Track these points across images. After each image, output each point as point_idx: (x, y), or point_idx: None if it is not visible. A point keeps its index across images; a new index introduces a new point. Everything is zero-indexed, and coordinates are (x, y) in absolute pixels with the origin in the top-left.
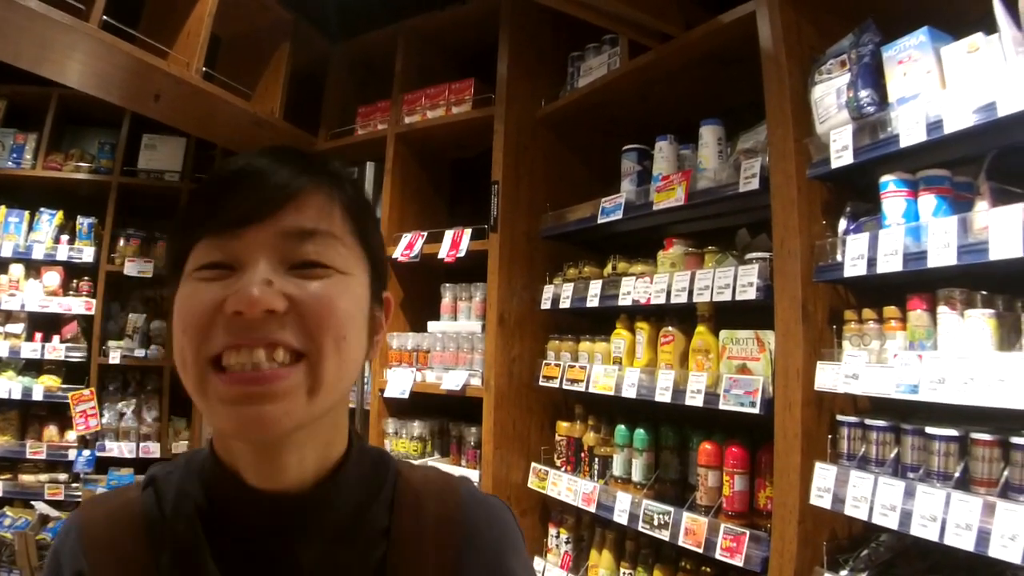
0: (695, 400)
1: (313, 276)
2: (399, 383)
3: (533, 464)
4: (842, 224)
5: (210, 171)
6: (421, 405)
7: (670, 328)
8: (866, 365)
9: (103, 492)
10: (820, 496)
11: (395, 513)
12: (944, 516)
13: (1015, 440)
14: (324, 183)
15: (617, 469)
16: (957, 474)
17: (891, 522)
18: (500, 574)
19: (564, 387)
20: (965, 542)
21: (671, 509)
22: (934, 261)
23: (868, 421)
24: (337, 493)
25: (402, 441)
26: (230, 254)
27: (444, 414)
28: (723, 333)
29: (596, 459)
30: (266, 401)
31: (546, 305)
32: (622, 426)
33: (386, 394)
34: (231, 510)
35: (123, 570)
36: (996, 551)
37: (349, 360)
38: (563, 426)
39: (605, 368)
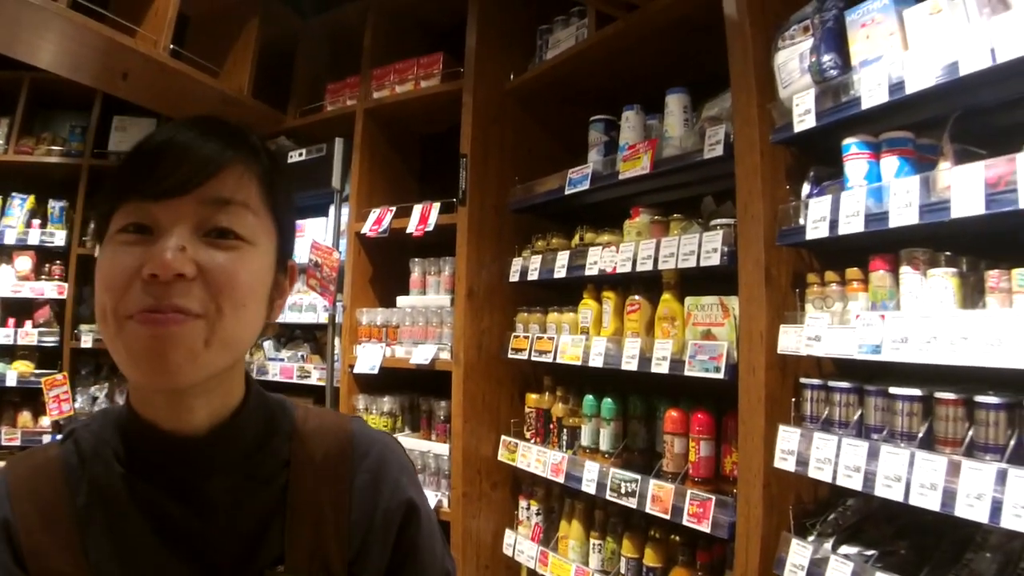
0: (661, 367)
1: (223, 246)
2: (368, 359)
3: (503, 437)
4: (805, 188)
5: (140, 141)
6: (391, 380)
7: (636, 297)
8: (828, 327)
9: (28, 449)
10: (784, 459)
11: (294, 446)
12: (908, 476)
13: (979, 399)
14: (244, 155)
15: (585, 439)
16: (921, 434)
17: (855, 483)
18: (385, 486)
19: (533, 359)
20: (931, 502)
21: (638, 477)
22: (896, 221)
23: (831, 383)
24: (239, 431)
25: (372, 417)
26: (150, 219)
27: (414, 389)
28: (688, 300)
29: (565, 430)
30: (168, 348)
31: (515, 278)
32: (590, 396)
33: (356, 370)
34: (145, 452)
35: (44, 515)
36: (962, 511)
37: (246, 323)
38: (532, 398)
39: (573, 338)
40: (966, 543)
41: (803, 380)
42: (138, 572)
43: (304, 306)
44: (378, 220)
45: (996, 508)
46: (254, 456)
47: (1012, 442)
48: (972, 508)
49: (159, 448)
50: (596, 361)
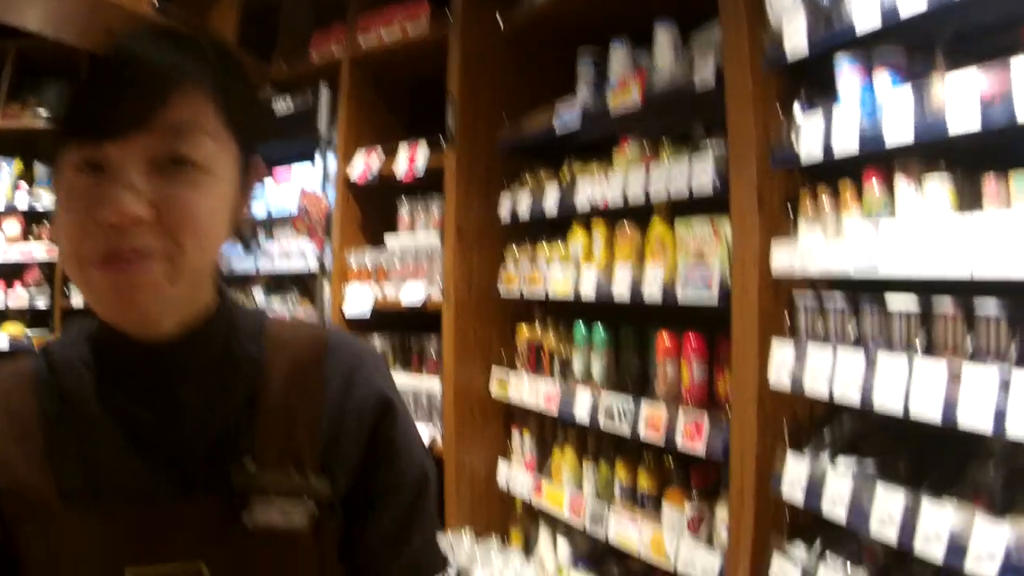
0: (653, 294)
1: (180, 179)
2: (359, 301)
3: (495, 371)
4: (797, 112)
5: (86, 71)
6: (382, 320)
7: (627, 225)
8: (822, 241)
9: None
10: (779, 376)
11: (267, 351)
12: (907, 384)
13: (979, 306)
14: (196, 72)
15: (577, 369)
16: (920, 344)
17: (852, 395)
18: (358, 385)
19: (523, 293)
20: (931, 411)
21: (631, 399)
22: (891, 137)
23: (825, 296)
24: (210, 336)
25: None
26: (101, 156)
27: (405, 328)
28: (679, 224)
29: (556, 361)
30: (134, 293)
31: (504, 216)
32: (581, 326)
33: (347, 313)
34: (115, 361)
35: (13, 425)
36: (966, 420)
37: (210, 250)
38: (523, 331)
39: (563, 271)
40: (969, 456)
41: (797, 297)
42: (107, 479)
43: (294, 253)
44: (366, 166)
45: (1000, 416)
46: (225, 361)
47: (1015, 350)
48: (976, 416)
49: (129, 355)
50: (587, 292)
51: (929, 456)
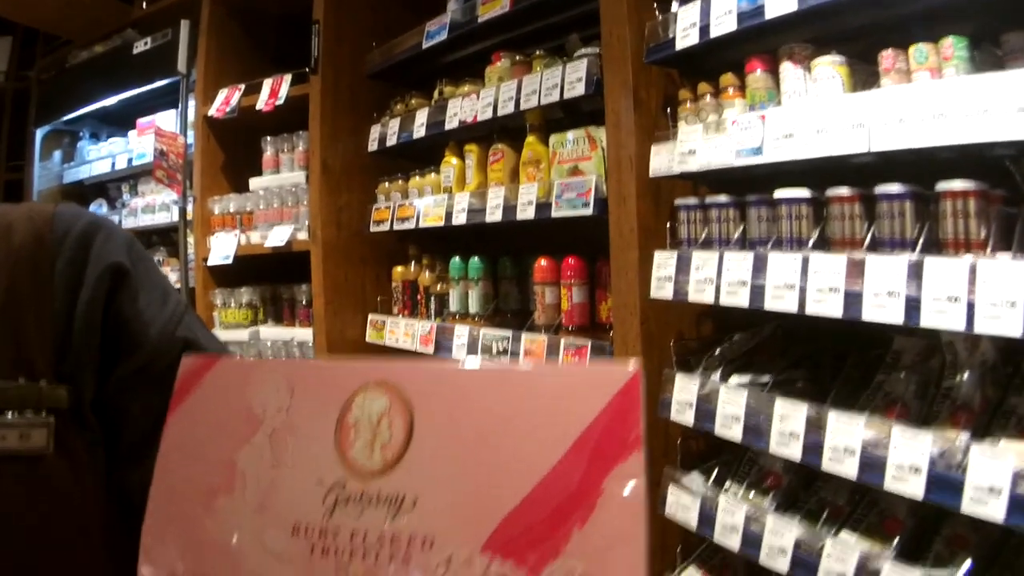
0: (527, 213)
1: None
2: (222, 248)
3: (370, 316)
4: (675, 6)
5: None
6: (250, 271)
7: (499, 145)
8: (703, 137)
9: None
10: (662, 287)
11: None
12: (803, 283)
13: (881, 190)
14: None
15: (454, 305)
16: (813, 240)
17: (741, 300)
18: (89, 262)
19: (395, 228)
20: (831, 308)
21: (509, 333)
22: (772, 11)
23: (709, 199)
24: None
25: (231, 311)
26: None
27: (276, 278)
28: (553, 137)
29: (433, 299)
30: None
31: (373, 147)
32: (456, 259)
33: (209, 262)
34: None
35: None
36: (871, 313)
37: None
38: (398, 271)
39: (435, 199)
40: (875, 364)
41: (678, 202)
42: None
43: (157, 206)
44: (226, 100)
45: (913, 306)
46: None
47: (923, 236)
48: (883, 309)
49: None
50: (460, 218)
51: (826, 369)
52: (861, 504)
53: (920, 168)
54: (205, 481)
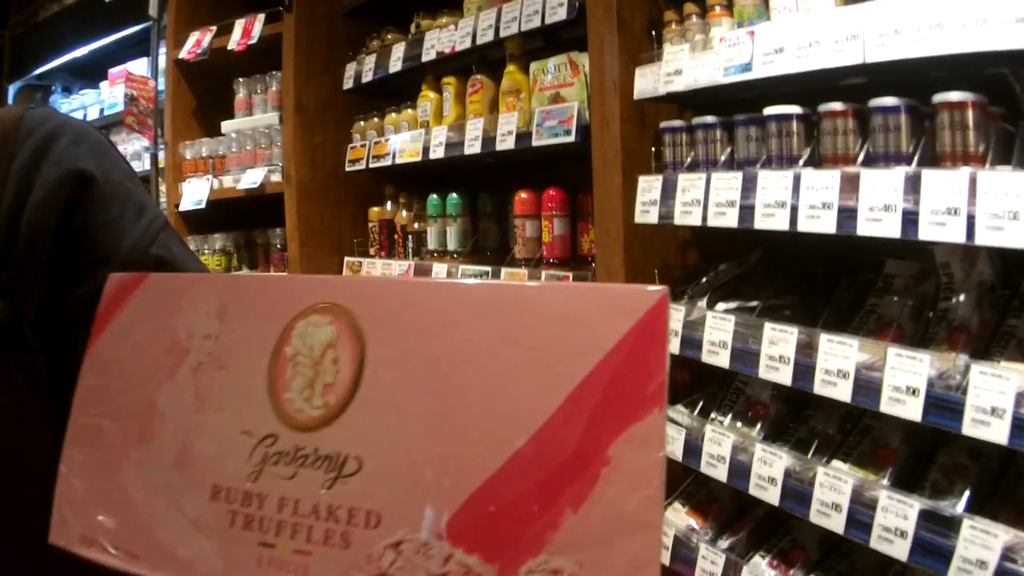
0: (506, 143)
1: None
2: (194, 193)
3: (346, 258)
4: None
5: None
6: (225, 217)
7: (478, 76)
8: (690, 56)
9: None
10: (646, 211)
11: None
12: (794, 201)
13: (875, 103)
14: None
15: (432, 243)
16: (804, 158)
17: (730, 220)
18: (48, 162)
19: (371, 166)
20: (824, 224)
21: (488, 269)
22: None
23: (695, 120)
24: None
25: (204, 257)
26: None
27: (250, 225)
28: (533, 65)
29: (410, 238)
30: None
31: (348, 84)
32: (434, 195)
33: (181, 208)
34: None
35: None
36: (866, 228)
37: None
38: (374, 211)
39: (411, 134)
40: (865, 289)
41: (663, 125)
42: None
43: (130, 155)
44: (197, 42)
45: (910, 220)
46: None
47: (918, 151)
48: (880, 224)
49: None
50: (437, 152)
51: (818, 297)
52: (852, 433)
53: (913, 90)
54: (124, 424)
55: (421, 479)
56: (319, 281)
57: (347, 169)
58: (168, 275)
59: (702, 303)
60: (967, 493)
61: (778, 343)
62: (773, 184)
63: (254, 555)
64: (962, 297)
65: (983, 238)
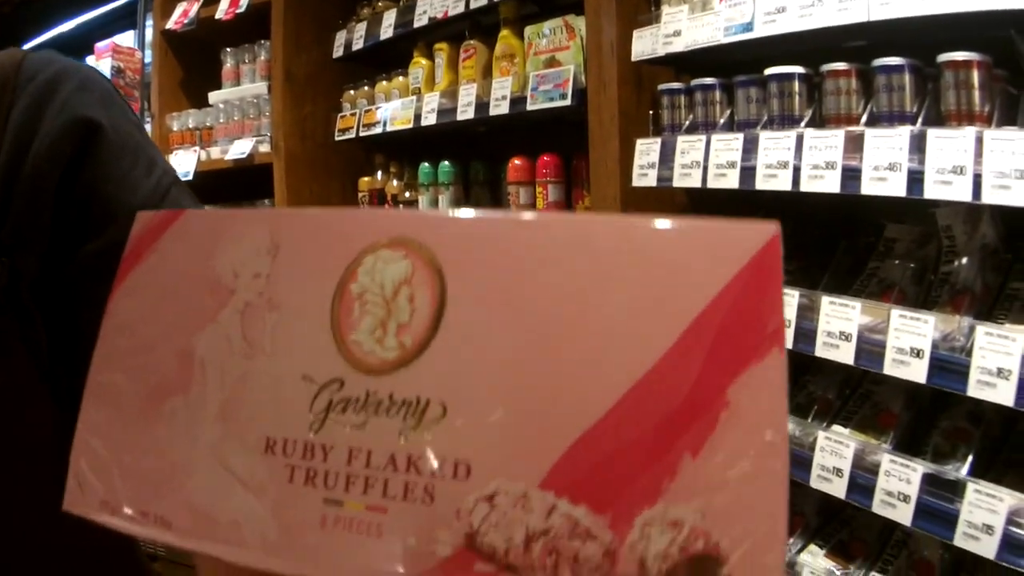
0: (500, 108)
1: None
2: (181, 165)
3: None
4: None
5: None
6: (213, 190)
7: (471, 41)
8: (689, 17)
9: None
10: (644, 174)
11: None
12: (797, 162)
13: (879, 62)
14: None
15: None
16: (807, 119)
17: (731, 182)
18: (51, 108)
19: (361, 135)
20: (828, 184)
21: None
22: None
23: (694, 82)
24: None
25: None
26: None
27: (239, 196)
28: (528, 29)
29: (402, 208)
30: None
31: (339, 52)
32: (425, 164)
33: None
34: None
35: None
36: (871, 187)
37: None
38: (364, 181)
39: (403, 101)
40: (866, 253)
41: (661, 87)
42: None
43: None
44: (184, 12)
45: (915, 179)
46: None
47: (923, 111)
48: (885, 183)
49: None
50: (429, 119)
51: (817, 261)
52: (853, 397)
53: (914, 54)
54: (153, 376)
55: (516, 425)
56: (386, 215)
57: (336, 139)
58: (208, 211)
59: None
60: (970, 458)
61: None
62: (775, 144)
63: (317, 515)
64: (965, 260)
65: (989, 197)
